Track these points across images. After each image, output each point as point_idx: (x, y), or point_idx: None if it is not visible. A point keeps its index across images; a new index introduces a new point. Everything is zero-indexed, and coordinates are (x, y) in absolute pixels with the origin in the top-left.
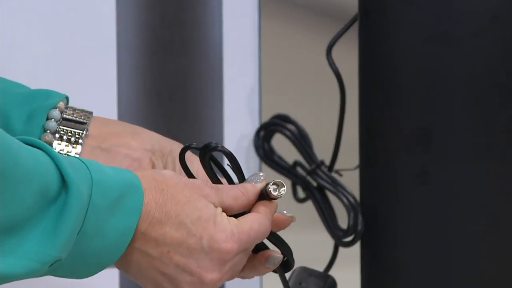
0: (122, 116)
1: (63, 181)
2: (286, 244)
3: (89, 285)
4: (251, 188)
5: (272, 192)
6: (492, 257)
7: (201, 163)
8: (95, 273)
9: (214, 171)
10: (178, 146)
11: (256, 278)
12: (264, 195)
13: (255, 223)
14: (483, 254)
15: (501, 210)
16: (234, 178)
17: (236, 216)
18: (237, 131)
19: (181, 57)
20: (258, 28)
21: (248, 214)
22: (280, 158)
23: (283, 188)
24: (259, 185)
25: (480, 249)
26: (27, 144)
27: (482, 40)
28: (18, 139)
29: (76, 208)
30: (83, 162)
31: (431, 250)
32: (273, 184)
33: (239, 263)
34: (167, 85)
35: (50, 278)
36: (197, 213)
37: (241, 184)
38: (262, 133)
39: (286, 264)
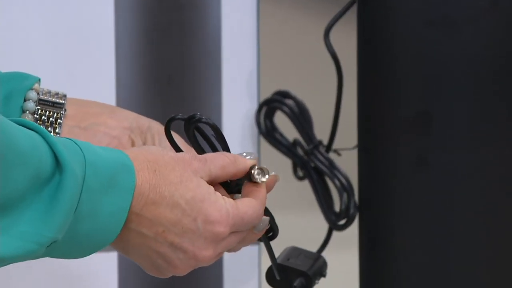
0: (120, 101)
1: (57, 162)
2: (268, 210)
3: (88, 270)
4: (242, 160)
5: (255, 175)
6: (491, 244)
7: (186, 134)
8: (91, 253)
9: (198, 142)
10: (155, 124)
11: (255, 255)
12: (249, 175)
13: (251, 209)
14: (482, 242)
15: (500, 198)
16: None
17: (228, 184)
18: (236, 115)
19: (179, 41)
20: (256, 11)
21: (245, 198)
22: (281, 135)
23: (267, 176)
24: (251, 161)
25: (479, 236)
26: (20, 125)
27: (482, 24)
28: (11, 120)
29: (71, 189)
30: (76, 143)
31: (430, 238)
32: (259, 168)
33: (232, 242)
34: (166, 69)
35: (50, 265)
36: (191, 193)
37: (232, 154)
38: (263, 109)
39: (270, 231)
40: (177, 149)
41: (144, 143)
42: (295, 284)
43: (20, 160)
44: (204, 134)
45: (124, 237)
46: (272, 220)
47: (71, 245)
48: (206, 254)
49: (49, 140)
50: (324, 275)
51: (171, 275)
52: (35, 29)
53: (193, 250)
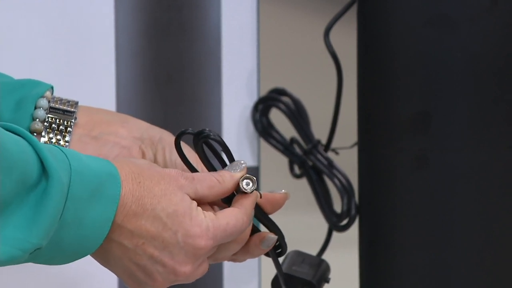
0: (120, 100)
1: (43, 169)
2: (278, 227)
3: (88, 271)
4: (229, 177)
5: (243, 186)
6: (491, 244)
7: (195, 149)
8: (72, 261)
9: (207, 157)
10: (167, 135)
11: (255, 266)
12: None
13: (233, 218)
14: (482, 242)
15: (500, 197)
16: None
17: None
18: (236, 115)
19: (179, 40)
20: (256, 11)
21: (226, 208)
22: (278, 133)
23: (251, 185)
24: (238, 175)
25: (479, 236)
26: (8, 131)
27: (481, 23)
28: None
29: (56, 195)
30: (62, 151)
31: (430, 238)
32: (247, 178)
33: (222, 256)
34: (165, 68)
35: (49, 266)
36: (173, 207)
37: (220, 172)
38: (259, 107)
39: (278, 247)
40: (187, 163)
41: (155, 155)
42: None
43: (7, 163)
44: (213, 149)
45: (106, 247)
46: (281, 238)
47: (54, 252)
48: (185, 269)
49: (36, 146)
50: (327, 281)
51: None
52: (35, 29)
53: (173, 264)
